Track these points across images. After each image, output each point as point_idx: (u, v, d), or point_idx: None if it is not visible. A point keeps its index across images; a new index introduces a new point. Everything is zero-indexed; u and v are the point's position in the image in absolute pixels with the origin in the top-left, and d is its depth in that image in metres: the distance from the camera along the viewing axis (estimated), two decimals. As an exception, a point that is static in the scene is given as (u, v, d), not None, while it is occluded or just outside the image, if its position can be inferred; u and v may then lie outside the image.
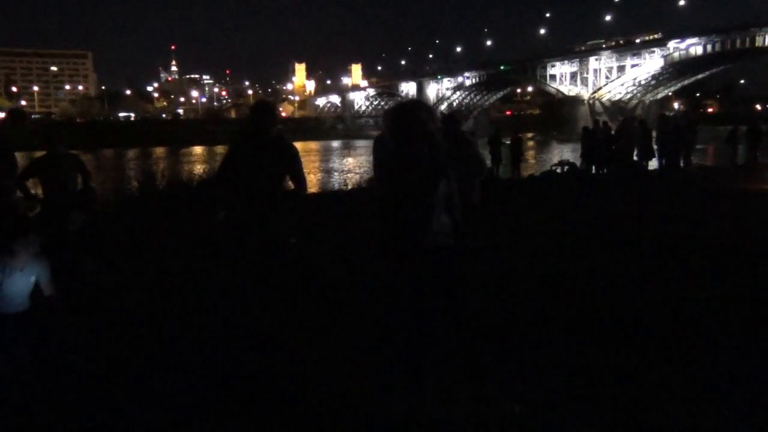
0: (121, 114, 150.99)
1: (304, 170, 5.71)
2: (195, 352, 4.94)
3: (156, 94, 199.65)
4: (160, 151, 71.83)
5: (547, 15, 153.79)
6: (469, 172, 7.39)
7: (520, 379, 4.11)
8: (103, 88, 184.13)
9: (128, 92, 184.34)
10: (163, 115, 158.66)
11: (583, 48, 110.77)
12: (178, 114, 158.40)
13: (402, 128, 3.82)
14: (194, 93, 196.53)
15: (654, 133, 20.78)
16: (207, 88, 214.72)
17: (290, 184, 5.61)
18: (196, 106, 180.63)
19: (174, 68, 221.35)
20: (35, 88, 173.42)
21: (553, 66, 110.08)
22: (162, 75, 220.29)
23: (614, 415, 3.69)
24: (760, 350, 4.65)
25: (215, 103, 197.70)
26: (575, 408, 3.75)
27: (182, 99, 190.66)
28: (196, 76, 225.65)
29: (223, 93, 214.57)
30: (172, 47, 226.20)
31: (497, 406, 3.67)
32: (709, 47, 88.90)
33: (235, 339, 5.11)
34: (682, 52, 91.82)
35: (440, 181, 3.69)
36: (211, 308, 5.89)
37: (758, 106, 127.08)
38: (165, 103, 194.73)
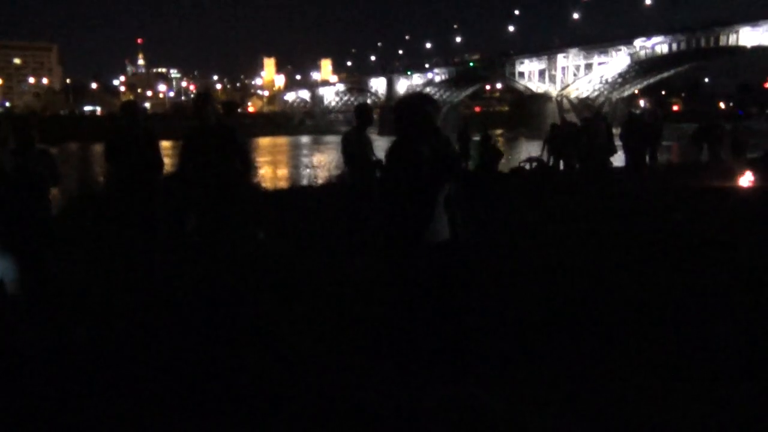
0: (87, 108, 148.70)
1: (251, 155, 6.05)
2: (176, 349, 4.86)
3: (122, 88, 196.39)
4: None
5: (516, 12, 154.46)
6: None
7: (502, 374, 4.12)
8: (68, 81, 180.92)
9: (94, 86, 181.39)
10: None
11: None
12: (146, 108, 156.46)
13: (407, 123, 3.74)
14: (162, 87, 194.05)
15: (618, 130, 20.95)
16: (175, 83, 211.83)
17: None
18: (164, 100, 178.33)
19: (141, 62, 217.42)
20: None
21: (522, 63, 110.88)
22: (129, 68, 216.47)
23: (597, 415, 3.70)
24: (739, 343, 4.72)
25: (183, 98, 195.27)
26: (556, 407, 3.76)
27: (149, 93, 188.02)
28: (164, 70, 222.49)
29: (192, 87, 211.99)
30: (139, 41, 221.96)
31: (480, 403, 3.66)
32: (674, 46, 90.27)
33: (215, 335, 5.06)
34: (648, 51, 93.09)
35: (447, 179, 3.63)
36: (188, 303, 5.83)
37: (722, 105, 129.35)
38: (132, 97, 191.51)
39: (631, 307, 5.61)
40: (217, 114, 6.22)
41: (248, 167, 6.28)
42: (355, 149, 7.19)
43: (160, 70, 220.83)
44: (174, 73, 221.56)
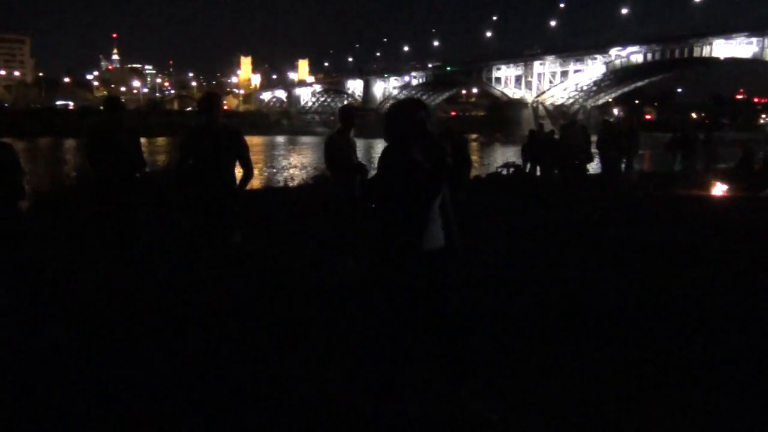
0: (59, 102, 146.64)
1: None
2: (157, 350, 4.76)
3: (96, 83, 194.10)
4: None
5: (494, 18, 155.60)
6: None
7: (497, 383, 4.09)
8: (40, 74, 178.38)
9: (67, 80, 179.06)
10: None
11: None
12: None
13: (400, 130, 3.67)
14: (136, 83, 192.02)
15: (594, 138, 21.13)
16: (149, 79, 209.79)
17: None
18: (138, 96, 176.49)
19: (115, 57, 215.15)
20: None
21: (498, 69, 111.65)
22: (103, 63, 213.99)
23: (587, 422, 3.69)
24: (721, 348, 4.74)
25: (157, 94, 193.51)
26: (548, 417, 3.74)
27: (123, 89, 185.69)
28: (138, 65, 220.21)
29: (166, 84, 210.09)
30: (114, 35, 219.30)
31: (474, 413, 3.62)
32: (649, 56, 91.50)
33: (198, 338, 4.97)
34: (623, 60, 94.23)
35: (441, 186, 3.57)
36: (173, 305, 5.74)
37: (694, 114, 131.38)
38: (105, 92, 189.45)
39: (615, 312, 5.61)
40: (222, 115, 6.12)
41: (250, 171, 6.13)
42: (338, 152, 7.12)
43: (134, 65, 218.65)
44: (149, 69, 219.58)
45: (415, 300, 3.59)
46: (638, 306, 5.91)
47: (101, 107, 6.89)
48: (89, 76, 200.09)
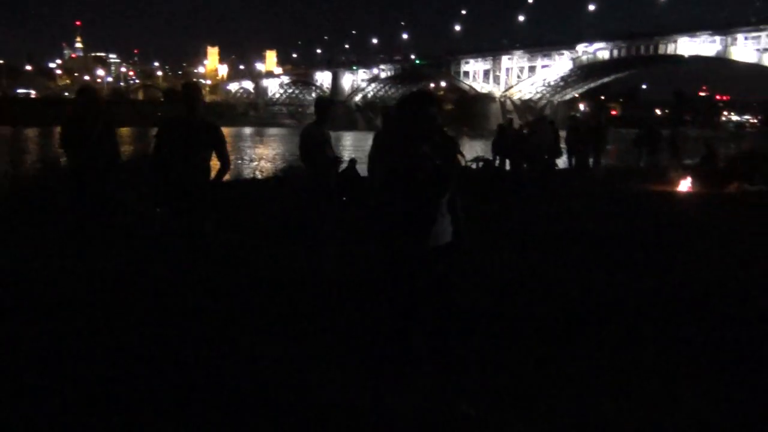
0: (20, 90, 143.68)
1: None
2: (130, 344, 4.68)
3: (59, 72, 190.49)
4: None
5: (463, 12, 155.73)
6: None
7: (478, 378, 4.11)
8: (1, 62, 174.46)
9: (28, 68, 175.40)
10: (66, 94, 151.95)
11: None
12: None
13: (411, 124, 3.63)
14: (100, 72, 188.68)
15: (563, 133, 21.33)
16: (114, 68, 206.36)
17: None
18: (102, 85, 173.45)
19: (79, 45, 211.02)
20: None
21: (467, 63, 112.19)
22: (66, 52, 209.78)
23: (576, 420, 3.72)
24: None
25: (122, 84, 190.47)
26: (528, 411, 3.76)
27: (87, 77, 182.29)
28: (103, 54, 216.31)
29: (131, 73, 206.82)
30: (77, 23, 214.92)
31: (454, 408, 3.62)
32: (615, 52, 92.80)
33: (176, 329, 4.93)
34: (590, 56, 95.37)
35: (451, 182, 3.54)
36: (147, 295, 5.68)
37: (658, 111, 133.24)
38: (68, 81, 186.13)
39: (592, 308, 5.67)
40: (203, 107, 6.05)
41: (227, 165, 6.07)
42: (314, 144, 7.07)
43: (98, 54, 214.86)
44: (113, 58, 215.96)
45: (420, 296, 3.58)
46: (619, 301, 5.97)
47: (75, 96, 6.75)
48: (52, 65, 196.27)
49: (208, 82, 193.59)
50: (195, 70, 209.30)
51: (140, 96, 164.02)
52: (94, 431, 3.55)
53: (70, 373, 4.21)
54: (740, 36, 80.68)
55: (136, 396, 3.89)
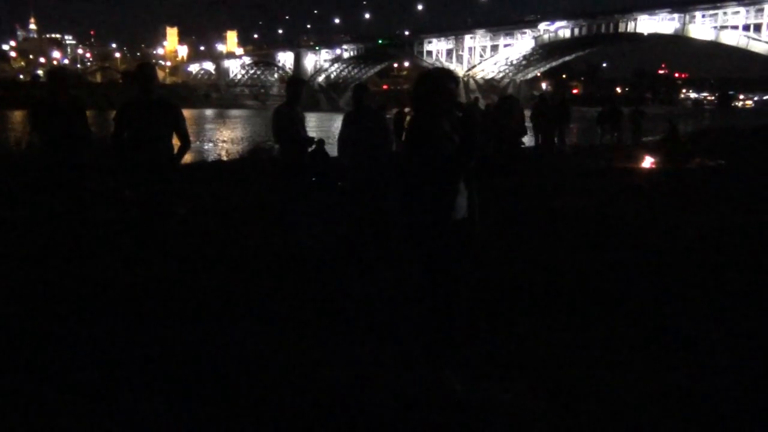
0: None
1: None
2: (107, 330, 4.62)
3: (13, 54, 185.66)
4: (18, 114, 66.87)
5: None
6: (377, 145, 7.36)
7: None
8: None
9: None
10: (21, 77, 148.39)
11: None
12: (38, 75, 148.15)
13: (430, 100, 3.63)
14: (56, 54, 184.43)
15: (527, 112, 21.47)
16: (70, 50, 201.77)
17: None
18: (61, 67, 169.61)
19: (33, 26, 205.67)
20: None
21: (430, 42, 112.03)
22: (19, 33, 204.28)
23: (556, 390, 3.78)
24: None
25: (79, 66, 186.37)
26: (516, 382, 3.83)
27: (42, 60, 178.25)
28: (58, 35, 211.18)
29: (88, 55, 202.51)
30: (30, 3, 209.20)
31: (442, 382, 3.66)
32: (576, 31, 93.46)
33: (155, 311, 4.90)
34: (551, 35, 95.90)
35: (471, 158, 3.53)
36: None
37: (618, 89, 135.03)
38: (23, 63, 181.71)
39: (568, 281, 5.76)
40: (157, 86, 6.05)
41: (188, 143, 6.03)
42: (286, 125, 7.01)
43: (53, 35, 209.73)
44: (69, 39, 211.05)
45: (445, 270, 3.60)
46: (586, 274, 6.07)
47: (47, 79, 6.63)
48: (5, 47, 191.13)
49: (168, 63, 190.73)
50: (154, 52, 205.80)
51: (98, 78, 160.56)
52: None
53: (40, 361, 4.16)
54: (698, 14, 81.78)
55: (113, 379, 3.86)
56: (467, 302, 3.87)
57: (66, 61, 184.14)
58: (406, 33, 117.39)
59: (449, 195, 3.59)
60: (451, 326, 3.68)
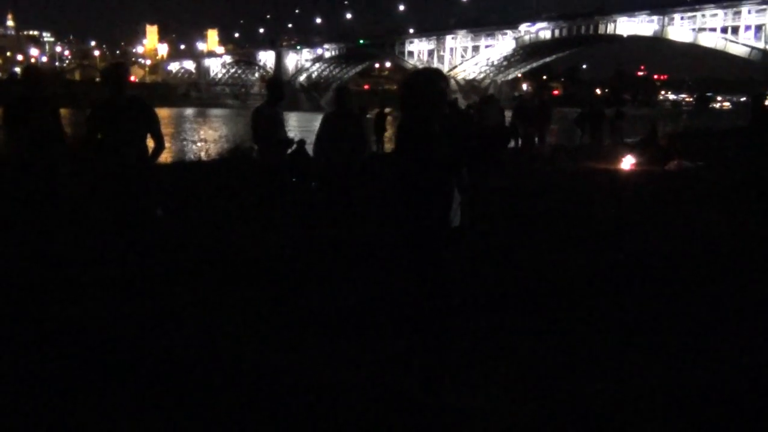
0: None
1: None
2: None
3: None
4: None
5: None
6: (352, 149, 7.31)
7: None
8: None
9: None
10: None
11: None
12: (15, 73, 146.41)
13: (420, 101, 3.56)
14: (33, 51, 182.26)
15: (508, 113, 21.50)
16: (48, 47, 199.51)
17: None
18: (36, 66, 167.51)
19: (10, 23, 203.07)
20: None
21: (411, 42, 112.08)
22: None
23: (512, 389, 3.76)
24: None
25: (57, 64, 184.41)
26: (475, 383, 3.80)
27: (20, 57, 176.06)
28: (36, 32, 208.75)
29: (67, 53, 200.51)
30: None
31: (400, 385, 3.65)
32: (557, 32, 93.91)
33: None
34: (532, 36, 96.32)
35: (463, 161, 3.47)
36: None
37: (598, 90, 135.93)
38: (1, 61, 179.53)
39: (545, 280, 5.76)
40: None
41: (162, 144, 5.97)
42: (266, 125, 6.95)
43: (31, 32, 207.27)
44: (47, 36, 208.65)
45: (443, 275, 3.55)
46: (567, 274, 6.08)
47: (21, 77, 6.54)
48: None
49: (148, 61, 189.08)
50: (134, 50, 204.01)
51: (77, 76, 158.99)
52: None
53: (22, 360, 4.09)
54: (677, 16, 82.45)
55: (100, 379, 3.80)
56: (457, 307, 3.85)
57: (44, 59, 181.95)
58: (387, 33, 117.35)
59: (448, 198, 3.52)
60: (441, 330, 3.65)
